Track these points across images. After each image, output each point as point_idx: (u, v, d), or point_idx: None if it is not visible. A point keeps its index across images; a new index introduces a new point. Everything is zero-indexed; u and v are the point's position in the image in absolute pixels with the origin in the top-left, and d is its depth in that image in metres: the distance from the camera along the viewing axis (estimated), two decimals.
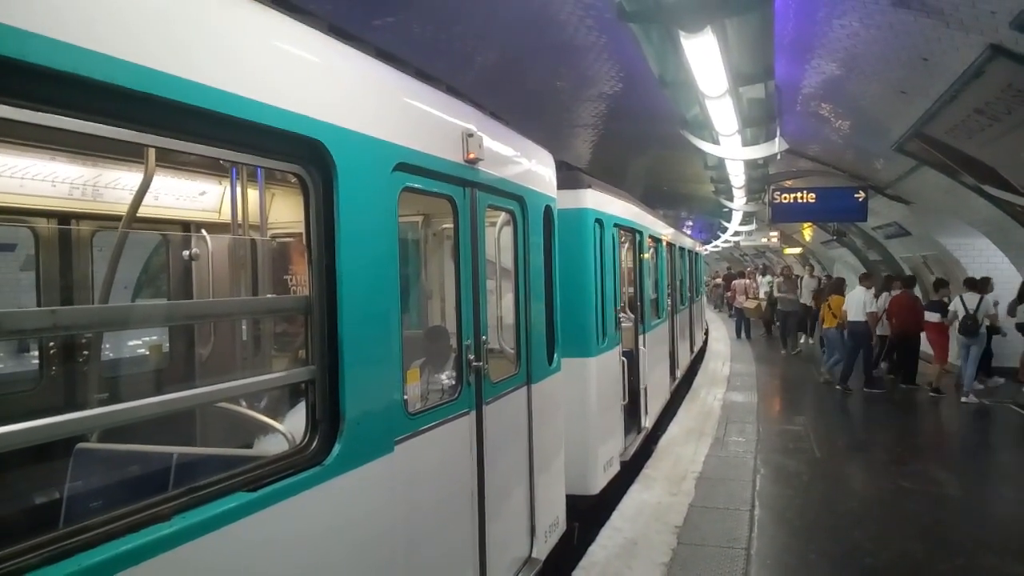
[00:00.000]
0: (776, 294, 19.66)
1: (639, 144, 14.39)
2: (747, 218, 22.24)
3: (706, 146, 9.81)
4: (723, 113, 7.71)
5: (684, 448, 8.69)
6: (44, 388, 4.30)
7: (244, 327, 4.68)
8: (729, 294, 25.25)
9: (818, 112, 10.11)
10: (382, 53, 3.30)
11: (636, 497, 6.87)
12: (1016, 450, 9.28)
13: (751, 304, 22.58)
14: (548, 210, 5.26)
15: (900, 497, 6.96)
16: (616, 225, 7.77)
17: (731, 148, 9.57)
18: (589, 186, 6.87)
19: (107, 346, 4.64)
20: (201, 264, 4.49)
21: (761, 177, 14.46)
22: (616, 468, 7.34)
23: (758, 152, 9.78)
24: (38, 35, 1.68)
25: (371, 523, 2.92)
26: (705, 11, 4.64)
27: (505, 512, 4.33)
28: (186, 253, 4.47)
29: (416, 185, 3.39)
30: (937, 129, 7.98)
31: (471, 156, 3.88)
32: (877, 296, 12.82)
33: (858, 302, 12.44)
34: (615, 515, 6.38)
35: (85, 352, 4.22)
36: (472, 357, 3.90)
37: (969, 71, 6.10)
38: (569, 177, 6.56)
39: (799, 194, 13.75)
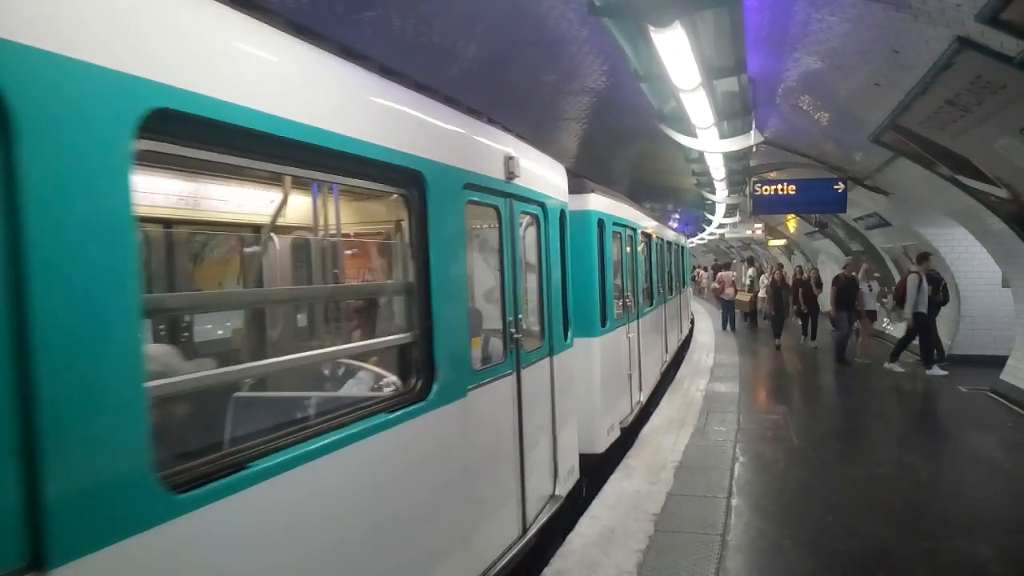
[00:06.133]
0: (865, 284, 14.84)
1: (623, 137, 14.46)
2: (730, 210, 22.34)
3: (683, 139, 9.88)
4: (698, 106, 7.78)
5: (665, 438, 8.79)
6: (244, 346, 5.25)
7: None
8: (716, 286, 25.20)
9: (797, 104, 10.20)
10: (421, 87, 4.03)
11: (616, 486, 6.96)
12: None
13: (744, 297, 22.70)
14: (562, 213, 6.29)
15: (874, 483, 7.08)
16: (615, 223, 8.75)
17: (708, 141, 9.65)
18: (592, 191, 7.93)
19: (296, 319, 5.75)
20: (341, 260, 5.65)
21: (742, 170, 14.55)
22: (617, 433, 8.45)
23: (734, 145, 9.86)
24: (250, 109, 2.45)
25: (454, 444, 3.97)
26: (673, 5, 4.71)
27: (537, 454, 5.40)
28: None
29: (475, 198, 4.42)
30: (911, 120, 8.08)
31: (510, 174, 4.93)
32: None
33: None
34: (594, 504, 6.46)
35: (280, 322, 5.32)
36: (514, 331, 4.95)
37: (939, 63, 6.19)
38: (576, 183, 7.48)
39: (779, 186, 13.82)
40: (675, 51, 5.72)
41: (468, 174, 4.22)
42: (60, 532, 1.73)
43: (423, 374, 3.66)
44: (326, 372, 4.37)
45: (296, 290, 5.19)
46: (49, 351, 1.75)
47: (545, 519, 5.42)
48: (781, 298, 18.03)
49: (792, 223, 22.71)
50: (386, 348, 3.93)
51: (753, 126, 9.65)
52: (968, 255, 13.14)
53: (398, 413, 3.36)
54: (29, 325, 1.72)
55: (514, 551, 4.76)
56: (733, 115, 9.39)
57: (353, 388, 4.17)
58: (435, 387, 3.67)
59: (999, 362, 11.46)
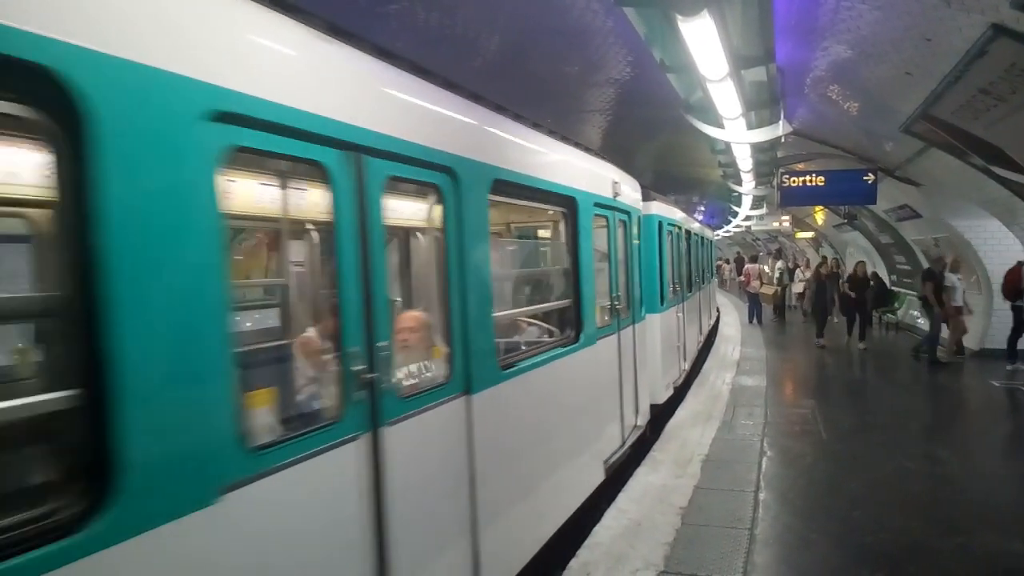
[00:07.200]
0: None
1: (648, 129, 14.33)
2: (757, 202, 22.07)
3: (710, 130, 9.79)
4: (725, 96, 7.69)
5: (691, 431, 8.75)
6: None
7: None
8: (743, 279, 24.82)
9: (826, 94, 10.05)
10: (566, 138, 6.17)
11: (642, 479, 6.94)
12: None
13: (769, 290, 22.40)
14: (638, 219, 8.33)
15: (903, 477, 6.99)
16: (668, 224, 10.81)
17: (735, 132, 9.55)
18: (654, 199, 10.05)
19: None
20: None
21: (769, 161, 14.35)
22: (671, 391, 10.47)
23: (762, 135, 9.75)
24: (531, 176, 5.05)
25: (590, 374, 6.24)
26: None
27: (627, 392, 7.50)
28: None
29: (599, 212, 6.52)
30: (943, 110, 7.92)
31: (615, 193, 7.12)
32: None
33: None
34: (620, 497, 6.46)
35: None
36: (617, 303, 7.12)
37: (972, 51, 6.06)
38: (643, 193, 9.16)
39: (808, 177, 13.63)
40: (702, 40, 5.66)
41: (596, 196, 6.35)
42: (472, 381, 3.96)
43: (574, 327, 5.83)
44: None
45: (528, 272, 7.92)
46: (464, 301, 3.93)
47: (633, 439, 7.64)
48: (826, 293, 16.64)
49: (820, 215, 22.38)
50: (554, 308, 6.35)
51: (781, 116, 9.53)
52: (1002, 247, 12.86)
53: (567, 348, 5.61)
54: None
55: (619, 454, 6.97)
56: (761, 105, 9.27)
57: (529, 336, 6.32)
58: (581, 336, 5.86)
59: None
